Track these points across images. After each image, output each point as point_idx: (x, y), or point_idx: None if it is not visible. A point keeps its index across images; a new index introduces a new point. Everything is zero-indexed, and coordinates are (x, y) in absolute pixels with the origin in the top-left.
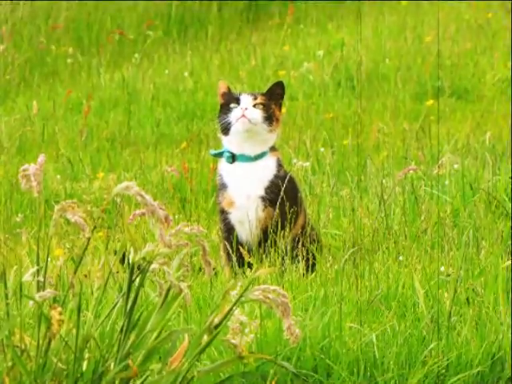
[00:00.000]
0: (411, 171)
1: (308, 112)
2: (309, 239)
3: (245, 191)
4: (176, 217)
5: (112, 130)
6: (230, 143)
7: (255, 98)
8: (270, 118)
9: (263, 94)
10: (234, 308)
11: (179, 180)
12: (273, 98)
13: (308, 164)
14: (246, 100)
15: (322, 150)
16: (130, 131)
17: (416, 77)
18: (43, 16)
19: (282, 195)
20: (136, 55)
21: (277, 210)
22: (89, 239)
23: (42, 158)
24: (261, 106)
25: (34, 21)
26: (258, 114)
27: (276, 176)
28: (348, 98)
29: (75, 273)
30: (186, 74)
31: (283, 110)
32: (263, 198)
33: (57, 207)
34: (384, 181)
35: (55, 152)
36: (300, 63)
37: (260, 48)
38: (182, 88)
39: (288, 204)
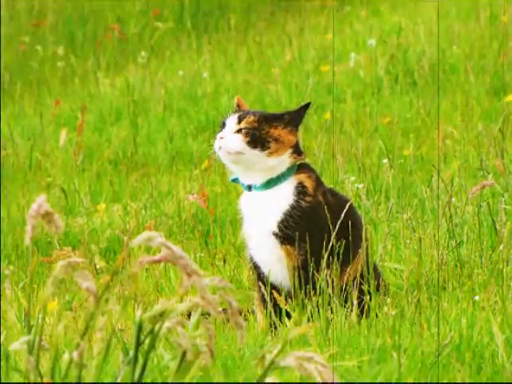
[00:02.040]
0: (487, 186)
1: (359, 116)
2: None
3: (257, 226)
4: (197, 256)
5: (115, 150)
6: (234, 173)
7: (239, 122)
8: (259, 141)
9: (262, 115)
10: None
11: (200, 209)
12: (278, 120)
13: (361, 186)
14: (229, 125)
15: (378, 162)
16: (138, 150)
17: (492, 67)
18: (25, 9)
19: (302, 230)
20: (142, 53)
21: (296, 248)
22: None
23: (42, 198)
24: (244, 131)
25: (13, 15)
26: (237, 142)
27: (293, 207)
28: (408, 97)
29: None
30: (205, 74)
31: (327, 115)
32: (276, 235)
33: (61, 263)
34: (454, 200)
35: (44, 180)
36: (347, 55)
37: (297, 38)
38: (200, 93)
39: (315, 241)
